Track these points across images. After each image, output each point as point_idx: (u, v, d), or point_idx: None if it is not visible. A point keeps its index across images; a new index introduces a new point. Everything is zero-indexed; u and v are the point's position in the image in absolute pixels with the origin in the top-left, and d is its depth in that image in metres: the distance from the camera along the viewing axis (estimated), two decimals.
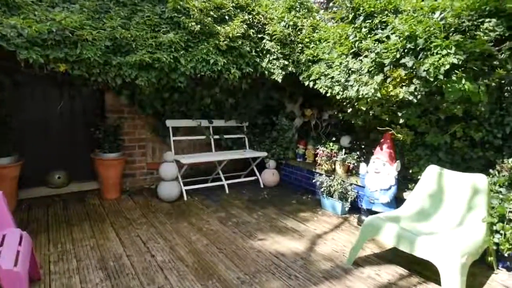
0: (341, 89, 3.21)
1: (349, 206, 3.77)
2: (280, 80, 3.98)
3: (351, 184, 3.87)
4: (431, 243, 2.23)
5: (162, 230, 3.16)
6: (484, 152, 3.04)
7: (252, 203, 4.12)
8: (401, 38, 2.62)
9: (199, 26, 3.52)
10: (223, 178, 4.57)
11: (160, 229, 3.17)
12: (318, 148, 4.58)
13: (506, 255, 2.58)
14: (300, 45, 4.06)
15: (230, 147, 5.09)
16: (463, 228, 2.56)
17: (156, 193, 4.06)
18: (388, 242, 2.48)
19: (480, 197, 2.61)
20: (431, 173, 2.96)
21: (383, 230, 2.50)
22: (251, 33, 3.92)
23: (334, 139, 4.53)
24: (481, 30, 2.64)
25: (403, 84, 2.66)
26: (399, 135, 3.09)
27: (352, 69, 3.12)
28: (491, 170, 2.97)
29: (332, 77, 3.34)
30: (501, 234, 2.54)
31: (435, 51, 2.43)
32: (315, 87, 3.63)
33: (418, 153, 3.41)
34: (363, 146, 4.15)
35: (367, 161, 4.07)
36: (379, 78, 2.74)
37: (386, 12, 2.97)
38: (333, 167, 4.28)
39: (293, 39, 4.02)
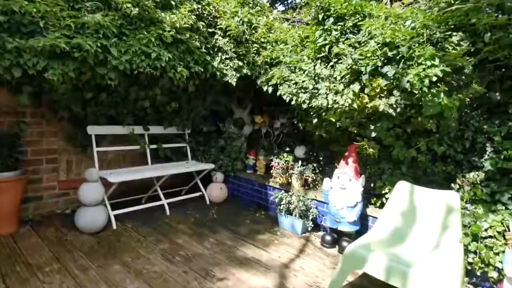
0: (308, 97, 2.84)
1: (312, 225, 3.43)
2: (234, 83, 3.45)
3: (311, 200, 3.55)
4: (427, 278, 1.98)
5: (84, 279, 2.31)
6: (445, 167, 3.02)
7: (200, 227, 3.48)
8: (380, 45, 2.37)
9: (137, 9, 2.77)
10: (162, 196, 3.81)
11: (80, 279, 2.32)
12: (271, 159, 4.20)
13: (478, 273, 2.52)
14: (255, 45, 3.60)
15: (169, 158, 4.34)
16: (443, 251, 2.41)
17: (74, 221, 3.10)
18: (376, 276, 2.17)
19: (454, 215, 2.51)
20: (401, 190, 2.80)
21: (369, 262, 2.19)
22: (201, 26, 3.31)
23: (288, 149, 4.19)
24: (449, 43, 2.57)
25: (381, 95, 2.41)
26: (370, 149, 2.87)
27: (321, 76, 2.78)
28: (452, 185, 2.97)
29: (296, 83, 2.96)
30: (475, 254, 2.47)
31: (418, 61, 2.23)
32: (277, 93, 3.20)
33: (381, 167, 3.27)
34: (321, 158, 3.89)
35: (324, 174, 3.84)
36: (356, 87, 2.45)
37: (358, 15, 2.71)
38: (289, 180, 3.93)
39: (248, 37, 3.54)
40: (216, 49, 3.44)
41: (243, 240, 3.21)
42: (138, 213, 3.61)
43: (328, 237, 3.24)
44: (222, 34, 3.43)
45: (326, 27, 2.74)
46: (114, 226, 3.25)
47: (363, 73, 2.42)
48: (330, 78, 2.71)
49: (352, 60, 2.44)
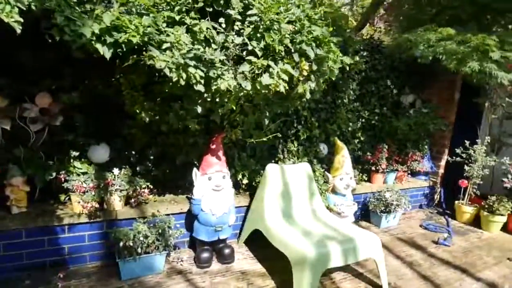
0: (214, 76, 1.86)
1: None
2: (18, 29, 1.38)
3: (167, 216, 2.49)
4: (367, 240, 2.32)
5: None
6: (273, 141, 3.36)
7: None
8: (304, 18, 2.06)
9: None
10: None
11: None
12: (53, 177, 2.33)
13: None
14: None
15: None
16: (321, 215, 2.84)
17: None
18: (336, 265, 2.16)
19: (313, 182, 2.99)
20: (272, 173, 2.80)
21: (332, 255, 2.14)
22: None
23: (75, 153, 2.48)
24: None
25: (301, 79, 2.16)
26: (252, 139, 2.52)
27: (227, 45, 1.91)
28: (279, 155, 3.40)
29: (188, 51, 1.78)
30: None
31: (331, 46, 2.22)
32: (150, 64, 1.74)
33: (230, 154, 2.97)
34: (151, 158, 2.73)
35: (143, 175, 2.81)
36: (288, 66, 1.98)
37: None
38: (109, 201, 2.43)
39: None
40: None
41: None
42: None
43: (205, 254, 2.56)
44: None
45: None
46: None
47: (292, 50, 2.00)
48: (236, 48, 1.93)
49: (284, 30, 1.91)
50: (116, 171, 2.47)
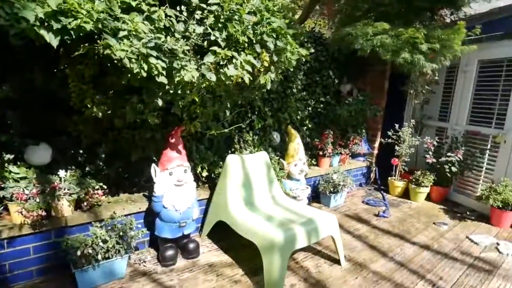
0: (178, 67, 1.78)
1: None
2: None
3: (126, 217, 2.34)
4: (326, 220, 2.51)
5: None
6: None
7: None
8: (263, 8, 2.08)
9: None
10: None
11: None
12: None
13: None
14: None
15: None
16: (281, 199, 2.96)
17: None
18: (301, 246, 2.29)
19: (271, 170, 3.08)
20: (233, 163, 2.81)
21: (297, 237, 2.26)
22: None
23: (10, 156, 2.17)
24: None
25: (261, 70, 2.20)
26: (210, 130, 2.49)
27: (189, 34, 1.84)
28: (236, 146, 3.42)
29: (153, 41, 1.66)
30: None
31: (288, 38, 2.28)
32: (94, 52, 1.56)
33: (188, 147, 2.89)
34: (103, 156, 2.50)
35: (93, 175, 2.60)
36: (251, 57, 1.99)
37: None
38: (57, 207, 2.18)
39: None
40: None
41: None
42: None
43: (170, 252, 2.49)
44: None
45: None
46: None
47: (254, 41, 2.01)
48: (202, 39, 1.88)
49: (247, 21, 1.90)
50: (62, 173, 2.22)
